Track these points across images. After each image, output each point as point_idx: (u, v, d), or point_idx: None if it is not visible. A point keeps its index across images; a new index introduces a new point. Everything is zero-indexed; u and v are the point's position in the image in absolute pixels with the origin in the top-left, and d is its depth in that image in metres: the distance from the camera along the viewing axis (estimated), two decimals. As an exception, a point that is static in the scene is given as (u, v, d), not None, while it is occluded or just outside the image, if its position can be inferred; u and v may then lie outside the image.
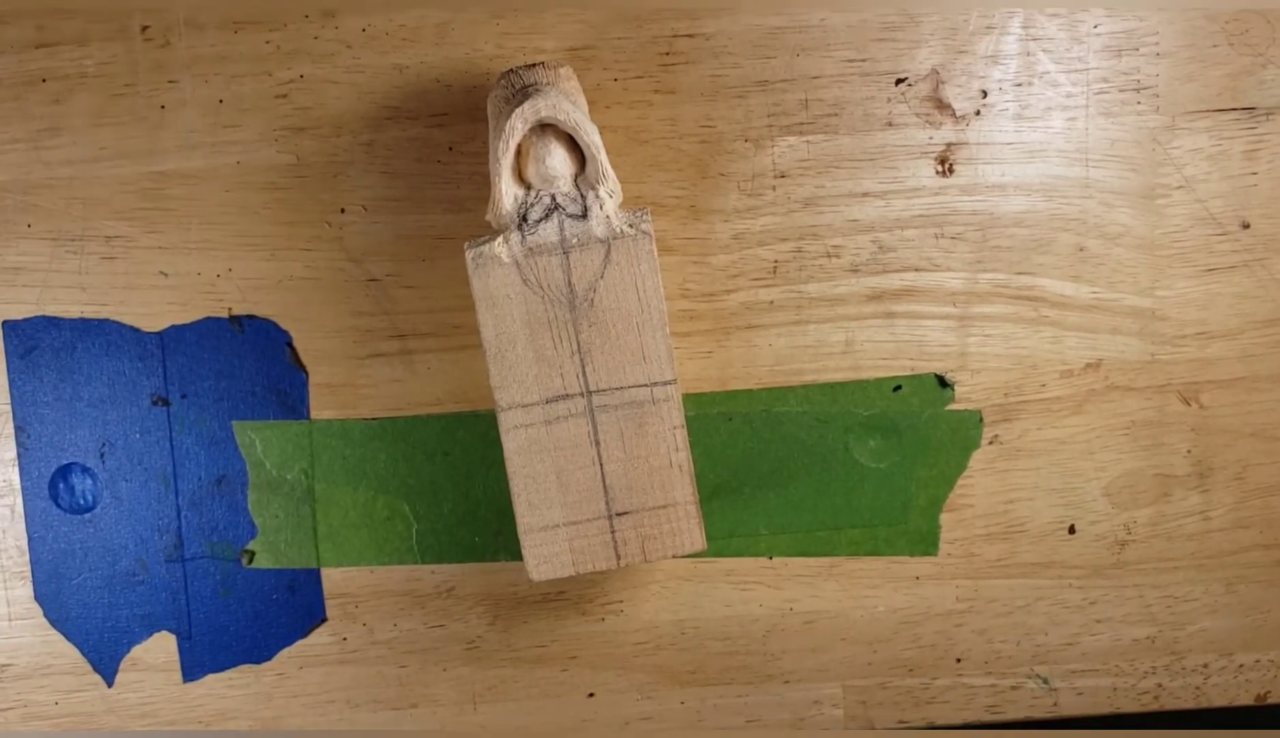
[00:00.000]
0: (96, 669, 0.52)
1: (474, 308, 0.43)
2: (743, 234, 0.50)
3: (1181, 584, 0.53)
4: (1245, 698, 0.54)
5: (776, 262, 0.50)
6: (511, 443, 0.44)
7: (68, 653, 0.52)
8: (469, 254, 0.43)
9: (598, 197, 0.42)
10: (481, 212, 0.49)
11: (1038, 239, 0.50)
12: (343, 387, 0.51)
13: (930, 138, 0.50)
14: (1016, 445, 0.52)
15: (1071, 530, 0.52)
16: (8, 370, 0.50)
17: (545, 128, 0.42)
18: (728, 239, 0.50)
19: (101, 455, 0.51)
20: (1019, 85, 0.49)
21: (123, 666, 0.52)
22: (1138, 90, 0.49)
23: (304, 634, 0.52)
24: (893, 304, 0.50)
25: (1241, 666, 0.53)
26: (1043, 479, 0.52)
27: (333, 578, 0.52)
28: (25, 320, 0.50)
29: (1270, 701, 0.54)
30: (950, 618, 0.53)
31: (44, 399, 0.51)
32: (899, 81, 0.49)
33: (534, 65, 0.44)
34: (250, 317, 0.50)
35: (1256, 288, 0.51)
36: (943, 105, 0.49)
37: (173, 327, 0.50)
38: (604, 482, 0.44)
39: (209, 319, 0.50)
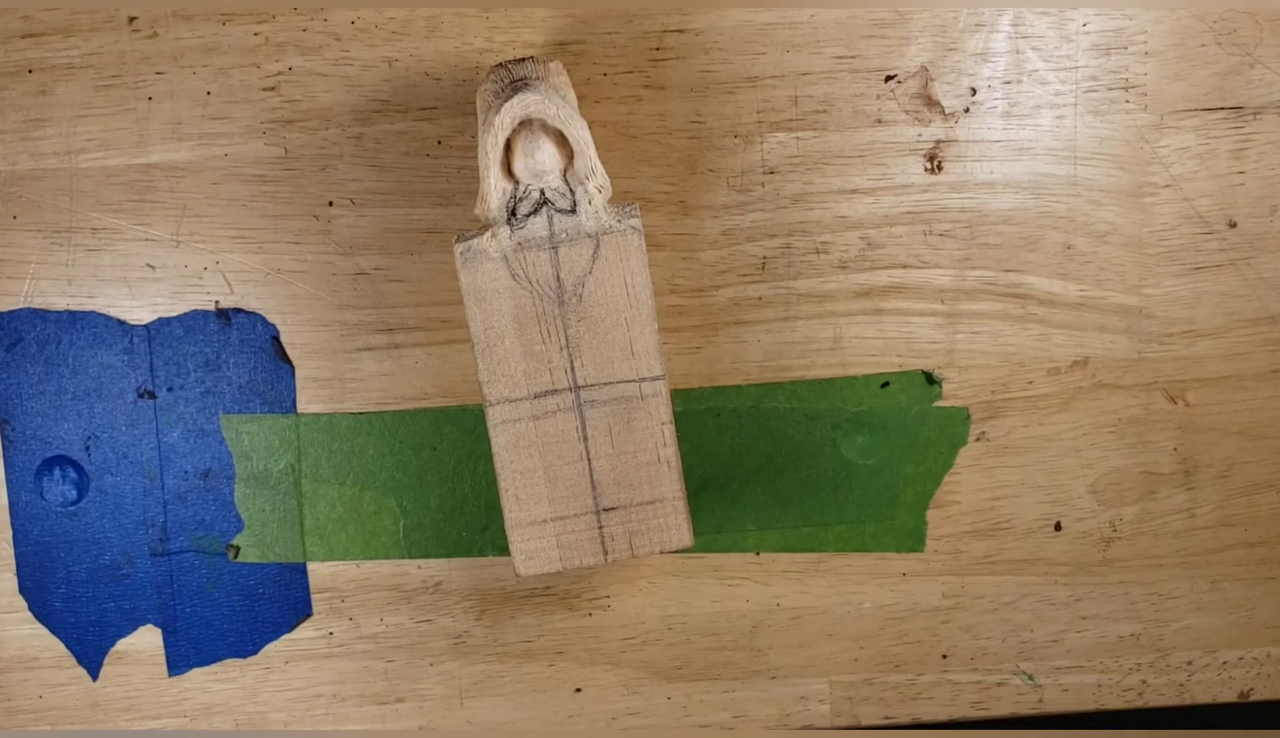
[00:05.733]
0: (81, 663, 0.52)
1: (462, 302, 0.43)
2: (731, 230, 0.50)
3: (1166, 582, 0.53)
4: (1229, 695, 0.54)
5: (765, 258, 0.50)
6: (499, 438, 0.44)
7: (52, 647, 0.52)
8: (457, 249, 0.43)
9: (586, 192, 0.42)
10: (470, 206, 0.49)
11: (1026, 237, 0.50)
12: (330, 380, 0.51)
13: (919, 135, 0.50)
14: (1003, 442, 0.52)
15: (1058, 528, 0.52)
16: (-7, 363, 0.50)
17: (534, 122, 0.42)
18: (716, 235, 0.50)
19: (87, 449, 0.51)
20: (1008, 83, 0.49)
21: (107, 659, 0.52)
22: (1126, 89, 0.49)
23: (290, 629, 0.52)
24: (881, 301, 0.50)
25: (1225, 663, 0.54)
26: (1029, 476, 0.52)
27: (319, 573, 0.52)
28: (11, 312, 0.50)
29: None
30: (936, 614, 0.53)
31: (29, 392, 0.50)
32: (888, 78, 0.49)
33: (523, 60, 0.44)
34: (237, 310, 0.50)
35: (1243, 287, 0.51)
36: (932, 102, 0.49)
37: (159, 320, 0.50)
38: (592, 477, 0.44)
39: (196, 312, 0.50)
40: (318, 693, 0.53)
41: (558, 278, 0.43)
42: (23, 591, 0.52)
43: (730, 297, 0.50)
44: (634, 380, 0.43)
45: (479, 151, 0.42)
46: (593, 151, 0.42)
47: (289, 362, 0.51)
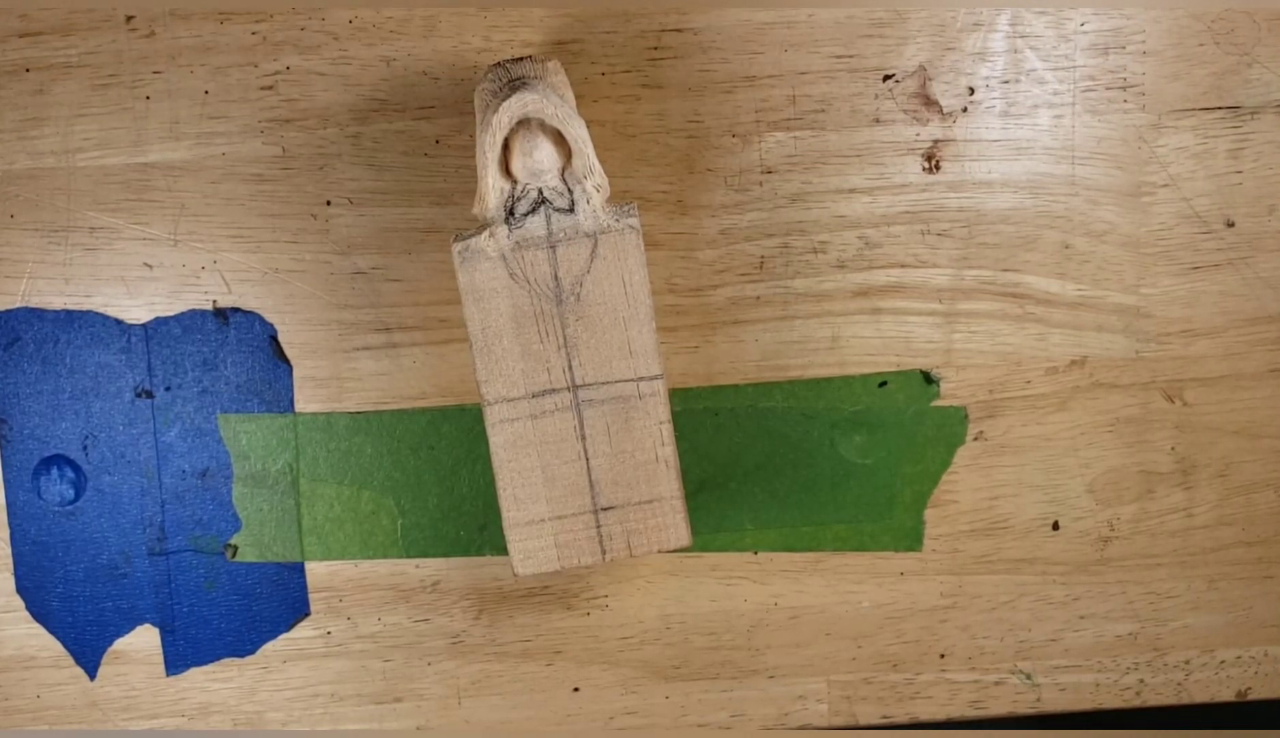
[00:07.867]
0: (79, 663, 0.52)
1: (460, 302, 0.43)
2: (729, 229, 0.50)
3: (1164, 581, 0.53)
4: (1226, 694, 0.54)
5: (763, 257, 0.50)
6: (497, 437, 0.44)
7: (50, 646, 0.52)
8: (455, 248, 0.43)
9: (584, 191, 0.42)
10: (468, 205, 0.49)
11: (1024, 236, 0.50)
12: (328, 380, 0.51)
13: (917, 134, 0.50)
14: (1001, 442, 0.52)
15: (1055, 527, 0.52)
16: (-10, 362, 0.50)
17: (532, 122, 0.42)
18: (714, 234, 0.50)
19: (85, 448, 0.51)
20: (1006, 82, 0.49)
21: (105, 659, 0.52)
22: (1124, 88, 0.50)
23: (288, 628, 0.52)
24: (879, 300, 0.50)
25: (1223, 662, 0.54)
26: (1027, 476, 0.52)
27: (317, 572, 0.52)
28: (8, 312, 0.50)
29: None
30: (934, 614, 0.53)
31: (27, 391, 0.50)
32: (886, 78, 0.49)
33: (522, 59, 0.44)
34: (235, 309, 0.50)
35: (1241, 286, 0.51)
36: (930, 102, 0.49)
37: (157, 319, 0.50)
38: (590, 477, 0.44)
39: (194, 312, 0.50)
40: (315, 693, 0.53)
41: (556, 277, 0.43)
42: (20, 590, 0.52)
43: (728, 296, 0.50)
44: (632, 380, 0.43)
45: (477, 151, 0.42)
46: (591, 151, 0.42)
47: (287, 361, 0.51)
